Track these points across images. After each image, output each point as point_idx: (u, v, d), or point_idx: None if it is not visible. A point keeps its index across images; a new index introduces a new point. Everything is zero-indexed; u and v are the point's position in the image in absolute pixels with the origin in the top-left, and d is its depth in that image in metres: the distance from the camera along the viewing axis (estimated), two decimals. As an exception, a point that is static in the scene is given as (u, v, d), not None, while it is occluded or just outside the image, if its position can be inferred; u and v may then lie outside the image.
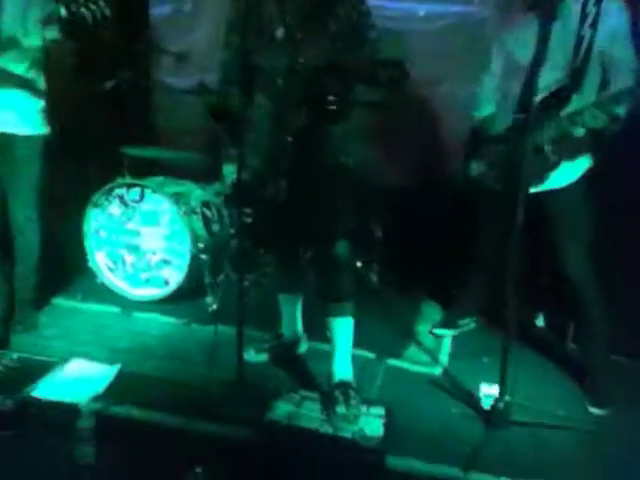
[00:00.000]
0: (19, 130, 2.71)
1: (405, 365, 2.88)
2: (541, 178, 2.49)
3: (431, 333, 3.17)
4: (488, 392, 2.49)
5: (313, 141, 2.36)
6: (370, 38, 2.35)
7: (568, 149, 2.44)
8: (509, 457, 2.26)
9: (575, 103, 2.37)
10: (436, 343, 3.10)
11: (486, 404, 2.45)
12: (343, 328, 2.53)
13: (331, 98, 2.28)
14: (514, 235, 2.29)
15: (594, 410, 2.56)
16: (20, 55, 2.62)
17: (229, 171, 3.33)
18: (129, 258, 3.33)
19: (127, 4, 3.83)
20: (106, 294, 3.35)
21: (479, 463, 2.19)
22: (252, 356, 2.75)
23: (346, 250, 2.47)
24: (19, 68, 2.64)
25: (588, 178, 2.54)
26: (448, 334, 3.15)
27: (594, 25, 2.26)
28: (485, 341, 3.00)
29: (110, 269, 3.38)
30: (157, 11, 4.25)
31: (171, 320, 3.17)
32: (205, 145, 3.42)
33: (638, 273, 2.80)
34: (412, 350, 3.02)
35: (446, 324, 3.19)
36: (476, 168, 2.69)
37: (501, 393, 2.39)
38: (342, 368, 2.51)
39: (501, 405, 2.38)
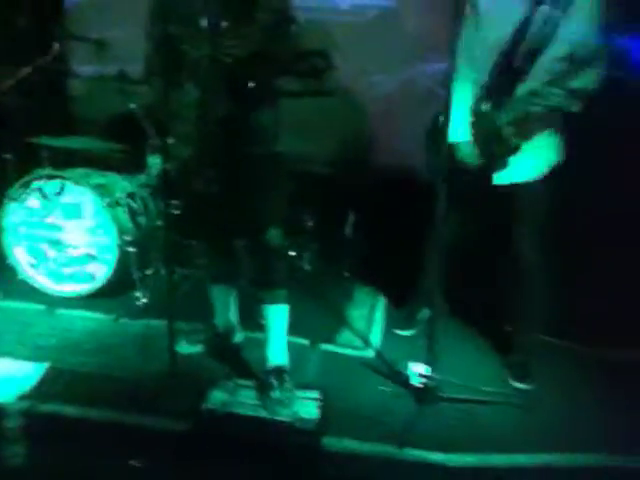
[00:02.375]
0: None
1: (339, 349, 2.93)
2: (504, 163, 2.50)
3: (394, 334, 3.08)
4: (418, 370, 2.56)
5: (239, 129, 2.36)
6: (293, 27, 2.37)
7: (527, 130, 2.44)
8: (441, 432, 2.35)
9: (530, 83, 2.40)
10: (367, 326, 3.17)
11: (416, 382, 2.52)
12: (278, 315, 2.54)
13: (252, 85, 2.29)
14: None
15: (517, 384, 2.69)
16: None
17: (154, 162, 3.34)
18: (51, 253, 3.21)
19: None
20: (28, 291, 3.22)
21: (413, 439, 2.27)
22: (185, 348, 2.73)
23: (279, 238, 2.48)
24: None
25: (554, 174, 2.54)
26: (410, 333, 3.06)
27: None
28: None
29: (31, 265, 3.25)
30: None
31: (99, 316, 3.07)
32: (128, 135, 3.32)
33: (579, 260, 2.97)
34: (345, 335, 3.07)
35: (406, 324, 3.08)
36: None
37: (430, 371, 2.47)
38: (277, 354, 2.53)
39: (431, 383, 2.46)
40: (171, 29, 2.27)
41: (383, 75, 3.95)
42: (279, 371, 2.48)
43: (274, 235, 2.46)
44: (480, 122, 2.53)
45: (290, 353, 2.57)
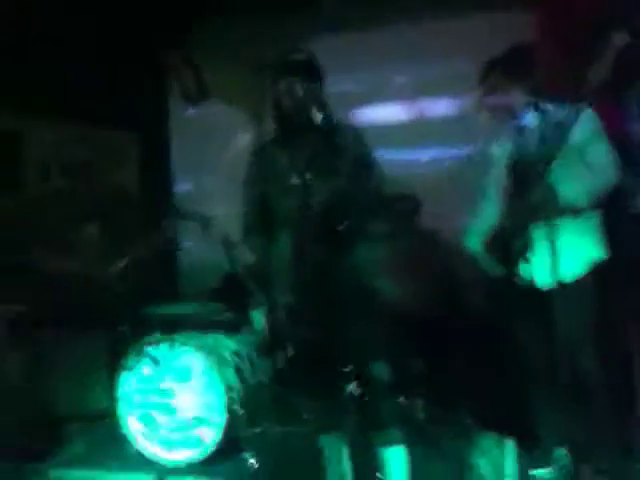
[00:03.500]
0: None
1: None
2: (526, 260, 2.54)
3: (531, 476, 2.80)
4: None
5: (335, 272, 2.40)
6: (374, 172, 2.49)
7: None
8: None
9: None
10: (497, 474, 2.83)
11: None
12: (394, 459, 2.36)
13: (340, 228, 2.37)
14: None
15: None
16: None
17: (258, 318, 3.40)
18: (161, 419, 3.21)
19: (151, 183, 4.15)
20: (139, 461, 3.19)
21: None
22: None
23: (385, 373, 2.38)
24: None
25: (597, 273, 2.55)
26: (549, 473, 2.74)
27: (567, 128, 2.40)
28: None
29: (143, 434, 3.25)
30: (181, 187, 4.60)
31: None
32: (233, 296, 3.44)
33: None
34: (473, 484, 2.75)
35: (543, 463, 2.78)
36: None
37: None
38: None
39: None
40: (265, 189, 2.46)
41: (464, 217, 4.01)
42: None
43: (380, 370, 2.36)
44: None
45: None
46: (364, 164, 2.48)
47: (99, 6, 3.78)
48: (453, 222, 3.97)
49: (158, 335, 3.26)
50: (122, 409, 3.27)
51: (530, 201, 2.50)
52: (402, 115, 4.19)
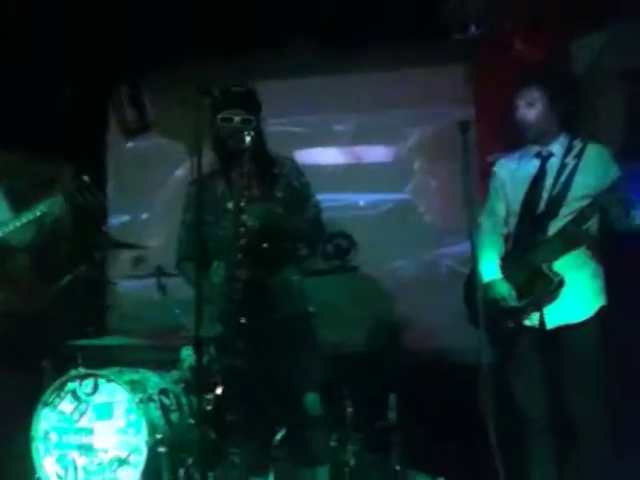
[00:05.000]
0: None
1: None
2: (550, 301, 2.49)
3: None
4: None
5: (266, 296, 2.39)
6: (310, 204, 2.58)
7: (566, 265, 2.49)
8: None
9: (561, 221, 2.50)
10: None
11: None
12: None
13: (266, 247, 2.40)
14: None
15: None
16: None
17: (187, 354, 3.31)
18: (80, 460, 3.04)
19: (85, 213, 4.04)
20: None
21: None
22: None
23: (317, 406, 2.36)
24: None
25: (601, 317, 2.52)
26: None
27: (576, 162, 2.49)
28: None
29: (59, 477, 3.05)
30: (115, 220, 4.50)
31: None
32: (161, 331, 3.36)
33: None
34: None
35: None
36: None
37: None
38: None
39: None
40: (201, 215, 2.43)
41: (404, 260, 4.08)
42: None
43: (312, 402, 2.34)
44: (516, 265, 2.54)
45: None
46: (300, 195, 2.54)
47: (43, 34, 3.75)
48: (386, 263, 4.08)
49: (83, 370, 3.11)
50: (37, 449, 3.08)
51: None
52: (341, 160, 4.29)
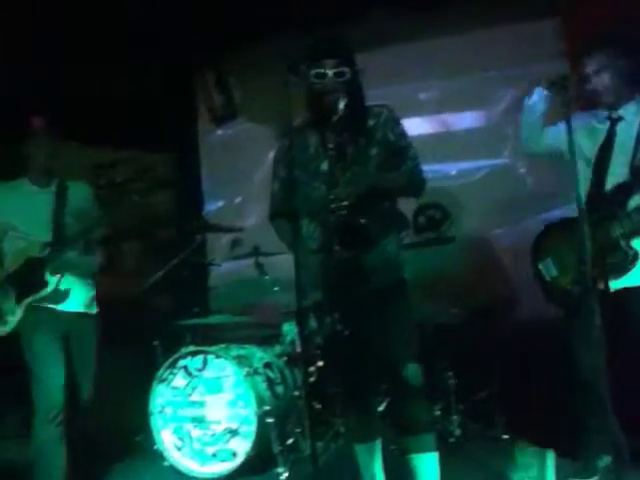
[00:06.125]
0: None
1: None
2: (621, 273, 2.47)
3: None
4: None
5: (361, 265, 2.36)
6: (409, 156, 2.42)
7: None
8: None
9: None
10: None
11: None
12: (427, 466, 2.30)
13: (364, 223, 2.29)
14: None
15: None
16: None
17: (288, 329, 3.40)
18: (195, 432, 3.21)
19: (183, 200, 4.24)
20: (174, 476, 3.19)
21: None
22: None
23: (417, 375, 2.33)
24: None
25: None
26: None
27: None
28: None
29: (177, 448, 3.25)
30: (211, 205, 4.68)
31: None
32: (261, 310, 3.48)
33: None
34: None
35: (587, 473, 2.69)
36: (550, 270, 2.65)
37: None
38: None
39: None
40: (295, 172, 2.36)
41: (504, 228, 3.95)
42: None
43: (412, 372, 2.32)
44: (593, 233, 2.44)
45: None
46: (395, 147, 2.40)
47: (131, 27, 3.90)
48: (484, 233, 3.98)
49: (192, 347, 3.28)
50: (155, 423, 3.28)
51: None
52: (429, 129, 4.21)
